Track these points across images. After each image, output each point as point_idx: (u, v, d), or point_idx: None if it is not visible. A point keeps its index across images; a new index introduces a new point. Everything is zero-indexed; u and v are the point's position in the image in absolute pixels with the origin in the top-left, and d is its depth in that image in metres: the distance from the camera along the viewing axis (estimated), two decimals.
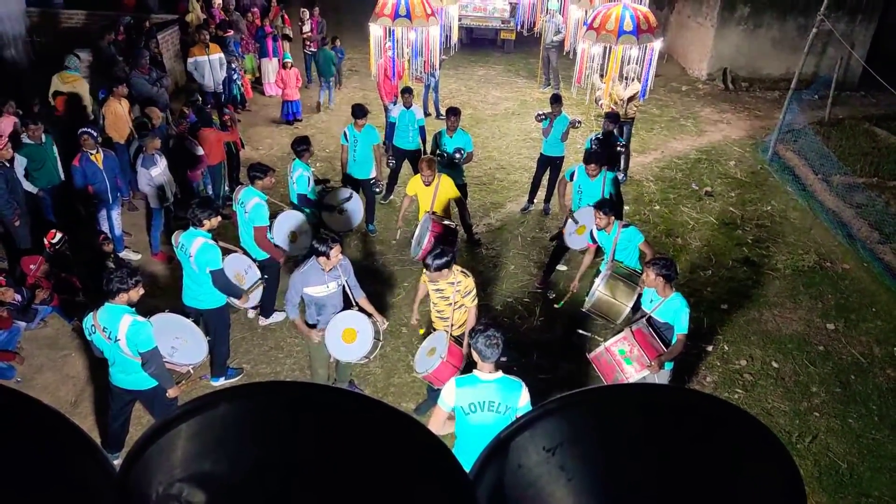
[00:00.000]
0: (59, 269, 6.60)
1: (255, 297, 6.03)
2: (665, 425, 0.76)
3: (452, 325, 5.23)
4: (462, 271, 5.18)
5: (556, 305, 6.83)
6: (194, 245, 5.30)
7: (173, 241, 5.59)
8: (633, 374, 4.99)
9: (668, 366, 5.18)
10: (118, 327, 4.43)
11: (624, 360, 5.04)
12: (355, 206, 7.46)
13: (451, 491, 0.69)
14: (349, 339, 5.17)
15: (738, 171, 10.60)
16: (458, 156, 7.73)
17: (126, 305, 4.50)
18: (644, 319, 5.20)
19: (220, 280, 5.42)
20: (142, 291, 4.63)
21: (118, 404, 4.95)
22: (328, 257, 4.93)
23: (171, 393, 4.78)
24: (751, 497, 0.72)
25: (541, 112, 8.76)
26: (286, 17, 14.15)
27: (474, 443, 3.90)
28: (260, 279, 5.95)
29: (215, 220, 5.45)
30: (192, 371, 5.32)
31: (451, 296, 5.15)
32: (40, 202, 7.34)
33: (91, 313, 4.55)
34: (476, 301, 5.22)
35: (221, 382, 5.89)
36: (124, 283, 4.46)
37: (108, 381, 4.82)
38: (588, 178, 6.95)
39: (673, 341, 5.05)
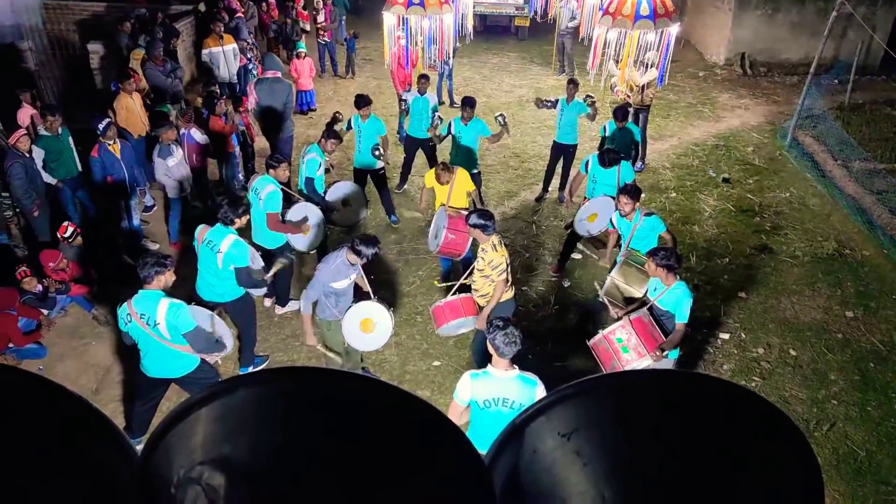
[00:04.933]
0: (79, 261, 6.69)
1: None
2: (681, 411, 0.75)
3: (476, 291, 5.51)
4: (494, 244, 5.27)
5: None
6: (225, 242, 5.31)
7: (197, 237, 5.54)
8: (630, 362, 4.96)
9: (673, 355, 5.12)
10: (156, 311, 4.47)
11: (621, 349, 5.02)
12: (360, 199, 7.44)
13: (467, 476, 0.70)
14: (367, 328, 5.25)
15: (757, 158, 10.48)
16: (499, 119, 7.99)
17: (161, 290, 4.55)
18: (646, 308, 5.16)
19: (244, 276, 5.43)
20: (174, 277, 4.67)
21: (148, 392, 4.99)
22: (366, 258, 5.12)
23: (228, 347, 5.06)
24: (768, 484, 0.72)
25: (544, 100, 8.75)
26: (300, 10, 14.14)
27: (488, 429, 3.91)
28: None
29: (245, 218, 5.48)
30: (219, 362, 5.37)
31: (477, 262, 5.40)
32: (59, 193, 7.42)
33: (125, 303, 4.58)
34: (503, 277, 5.29)
35: (250, 371, 5.95)
36: (161, 266, 4.52)
37: (140, 370, 4.86)
38: (601, 167, 6.90)
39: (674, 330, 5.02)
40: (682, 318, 4.94)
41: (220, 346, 4.91)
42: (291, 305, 6.76)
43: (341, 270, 5.14)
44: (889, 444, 5.42)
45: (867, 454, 5.33)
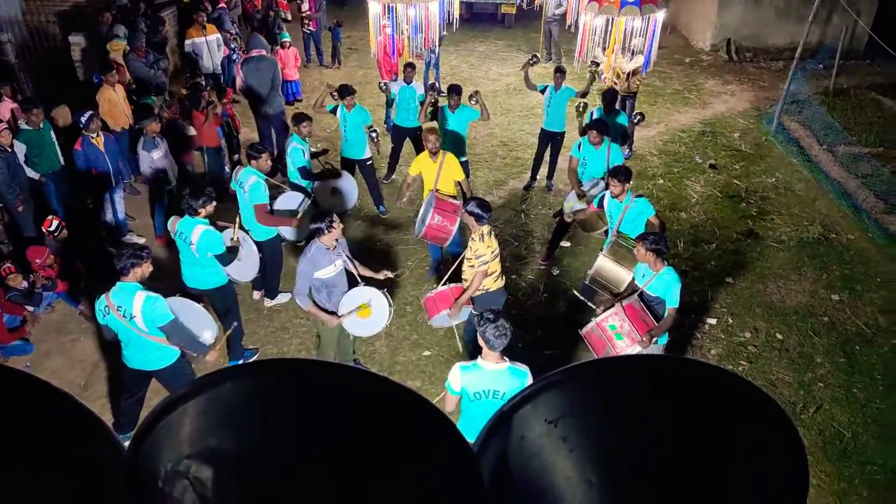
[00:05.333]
0: (63, 256, 6.63)
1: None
2: (668, 396, 0.76)
3: (466, 281, 5.45)
4: (483, 234, 5.23)
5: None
6: (195, 233, 5.31)
7: (170, 228, 5.56)
8: (624, 349, 4.98)
9: (662, 341, 5.15)
10: (132, 304, 4.46)
11: (615, 336, 5.03)
12: (349, 187, 7.41)
13: (457, 465, 0.70)
14: (364, 314, 5.25)
15: (743, 143, 10.53)
16: (473, 99, 8.01)
17: (137, 283, 4.53)
18: (636, 294, 5.18)
19: (225, 261, 5.47)
20: (151, 268, 4.65)
21: (132, 385, 4.97)
22: (330, 231, 4.96)
23: (209, 358, 4.87)
24: (755, 467, 0.73)
25: (529, 61, 8.86)
26: (280, 0, 13.98)
27: (478, 419, 3.93)
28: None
29: (210, 207, 5.42)
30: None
31: (466, 251, 5.38)
32: (43, 188, 7.34)
33: (103, 295, 4.56)
34: (484, 268, 5.24)
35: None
36: (138, 258, 4.50)
37: (122, 363, 4.84)
38: (592, 149, 6.88)
39: (664, 315, 5.05)
40: (672, 302, 4.97)
41: (202, 345, 4.87)
42: (280, 298, 6.74)
43: (318, 257, 5.03)
44: (874, 426, 5.50)
45: (853, 435, 5.41)
